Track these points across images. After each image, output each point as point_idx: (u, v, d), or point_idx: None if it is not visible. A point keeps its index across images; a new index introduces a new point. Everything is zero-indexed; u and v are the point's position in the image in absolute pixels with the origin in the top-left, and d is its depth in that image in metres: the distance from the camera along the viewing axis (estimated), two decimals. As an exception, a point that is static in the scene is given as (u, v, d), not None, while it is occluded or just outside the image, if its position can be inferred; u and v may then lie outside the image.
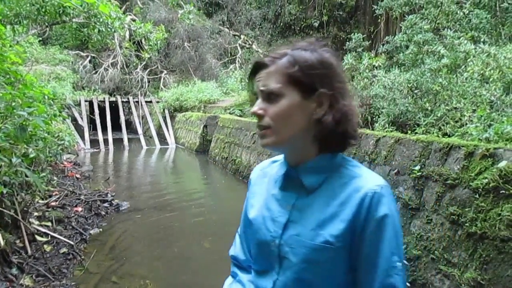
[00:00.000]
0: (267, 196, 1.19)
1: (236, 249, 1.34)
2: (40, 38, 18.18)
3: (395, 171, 4.34)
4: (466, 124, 7.16)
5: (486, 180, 3.12)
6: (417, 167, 3.99)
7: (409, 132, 6.89)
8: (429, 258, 3.56)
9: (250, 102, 1.15)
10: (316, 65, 1.03)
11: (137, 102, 18.23)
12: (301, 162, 1.10)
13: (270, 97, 1.04)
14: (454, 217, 3.37)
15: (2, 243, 3.90)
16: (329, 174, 1.08)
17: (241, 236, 1.34)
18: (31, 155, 4.05)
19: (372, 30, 20.14)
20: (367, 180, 1.03)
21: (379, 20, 18.13)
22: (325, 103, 1.04)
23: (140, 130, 16.80)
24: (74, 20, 10.52)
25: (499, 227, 2.91)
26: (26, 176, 4.55)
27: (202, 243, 5.40)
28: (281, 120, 1.04)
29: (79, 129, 15.48)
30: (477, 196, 3.19)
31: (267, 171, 1.26)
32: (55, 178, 7.78)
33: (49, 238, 4.70)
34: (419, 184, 3.93)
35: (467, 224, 3.22)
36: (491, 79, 7.18)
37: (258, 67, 1.08)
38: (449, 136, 5.58)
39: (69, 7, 9.03)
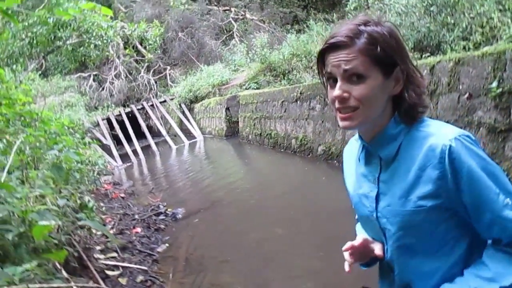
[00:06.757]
0: (356, 174, 1.24)
1: None
2: (40, 72, 17.98)
3: (466, 95, 3.84)
4: (497, 26, 6.62)
5: None
6: (494, 84, 3.49)
7: (434, 54, 6.41)
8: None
9: (323, 82, 1.13)
10: (392, 42, 1.04)
11: (152, 105, 17.94)
12: (375, 136, 1.12)
13: (353, 78, 1.02)
14: None
15: (77, 291, 3.65)
16: (402, 140, 1.09)
17: None
18: (90, 205, 3.71)
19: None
20: (439, 137, 1.03)
21: None
22: (402, 79, 1.05)
23: (163, 132, 16.54)
24: (67, 42, 10.14)
25: None
26: (78, 219, 4.29)
27: (273, 229, 5.08)
28: (368, 102, 1.03)
29: (105, 148, 15.31)
30: None
31: (352, 149, 1.29)
32: (102, 204, 7.57)
33: (121, 270, 4.44)
34: (503, 102, 3.44)
35: None
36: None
37: (333, 47, 1.04)
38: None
39: (59, 30, 8.65)
